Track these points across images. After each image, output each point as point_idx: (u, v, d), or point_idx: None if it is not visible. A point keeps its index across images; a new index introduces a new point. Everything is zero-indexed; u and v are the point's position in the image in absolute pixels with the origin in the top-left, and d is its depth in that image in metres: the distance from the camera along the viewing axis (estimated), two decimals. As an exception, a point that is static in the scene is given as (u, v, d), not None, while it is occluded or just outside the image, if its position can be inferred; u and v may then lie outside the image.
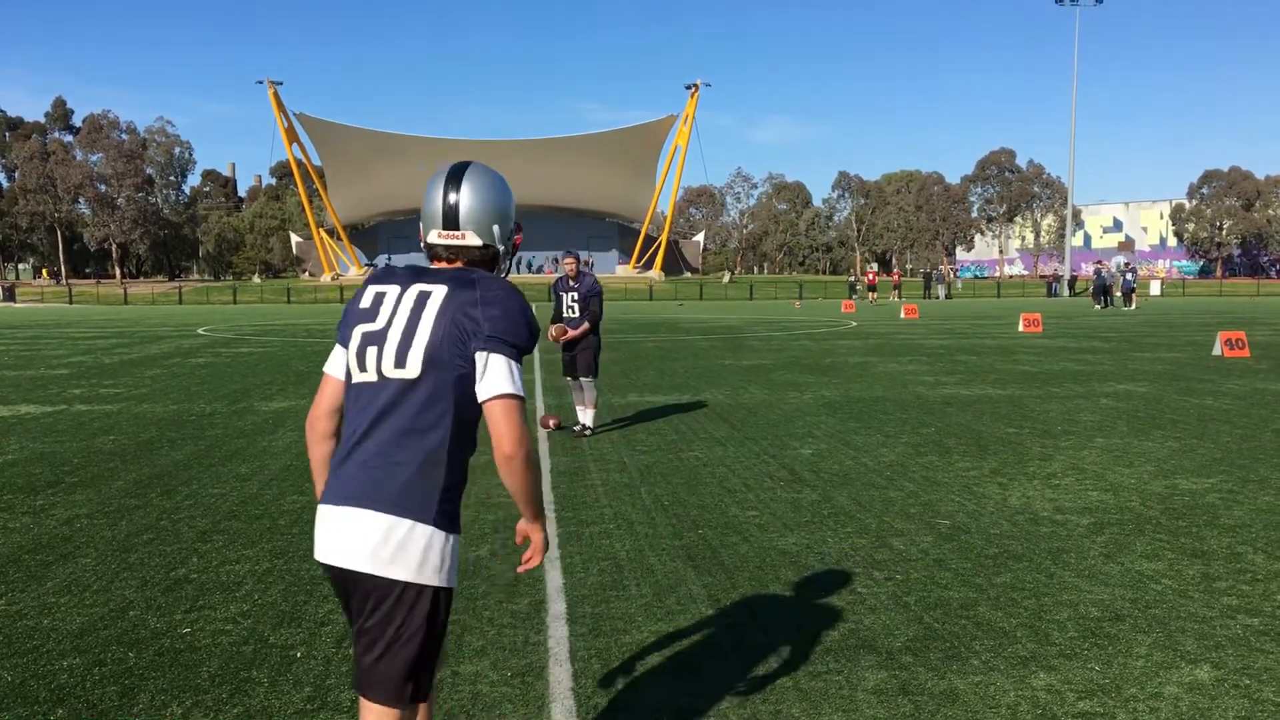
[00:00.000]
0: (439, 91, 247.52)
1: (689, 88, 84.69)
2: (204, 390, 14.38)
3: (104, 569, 5.60)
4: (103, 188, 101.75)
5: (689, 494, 7.48)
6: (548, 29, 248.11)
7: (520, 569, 2.71)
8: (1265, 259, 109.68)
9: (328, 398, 2.71)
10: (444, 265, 2.68)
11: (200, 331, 30.89)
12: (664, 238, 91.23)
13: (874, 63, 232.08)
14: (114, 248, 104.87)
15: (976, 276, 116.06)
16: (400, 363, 2.49)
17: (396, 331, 2.51)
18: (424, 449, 2.48)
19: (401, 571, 2.46)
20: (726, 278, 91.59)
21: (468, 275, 2.55)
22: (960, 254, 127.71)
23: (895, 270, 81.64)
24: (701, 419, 11.31)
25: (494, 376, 2.47)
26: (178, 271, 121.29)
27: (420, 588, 2.49)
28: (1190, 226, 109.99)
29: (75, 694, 3.96)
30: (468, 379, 2.49)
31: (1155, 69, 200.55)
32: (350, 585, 2.52)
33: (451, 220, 2.63)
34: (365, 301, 2.61)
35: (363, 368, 2.56)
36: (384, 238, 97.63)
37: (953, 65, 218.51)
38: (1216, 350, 19.33)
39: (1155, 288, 77.21)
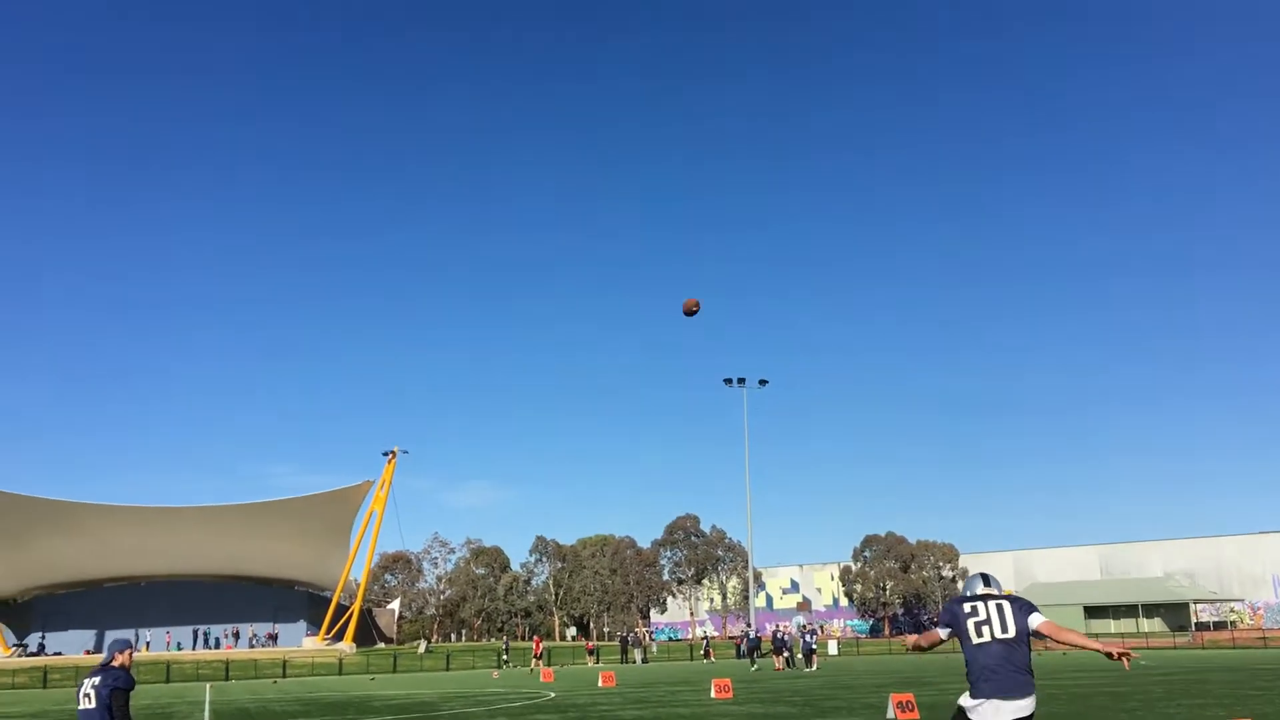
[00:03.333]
0: (94, 452, 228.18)
1: (386, 454, 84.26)
2: None
3: None
4: None
5: None
6: (231, 387, 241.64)
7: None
8: (925, 617, 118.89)
9: (936, 636, 6.86)
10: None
11: None
12: (356, 607, 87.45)
13: (565, 432, 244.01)
14: None
15: (671, 639, 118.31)
16: (1004, 631, 6.45)
17: (995, 618, 6.52)
18: (1027, 668, 6.43)
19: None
20: (422, 647, 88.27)
21: (1012, 596, 6.54)
22: (655, 616, 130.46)
23: (537, 638, 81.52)
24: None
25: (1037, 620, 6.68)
26: None
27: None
28: (858, 587, 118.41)
29: None
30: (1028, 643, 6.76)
31: (818, 441, 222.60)
32: None
33: (990, 584, 6.88)
34: (967, 608, 6.60)
35: (981, 635, 6.50)
36: (39, 614, 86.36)
37: (639, 436, 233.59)
38: (890, 714, 20.72)
39: (833, 647, 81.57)
